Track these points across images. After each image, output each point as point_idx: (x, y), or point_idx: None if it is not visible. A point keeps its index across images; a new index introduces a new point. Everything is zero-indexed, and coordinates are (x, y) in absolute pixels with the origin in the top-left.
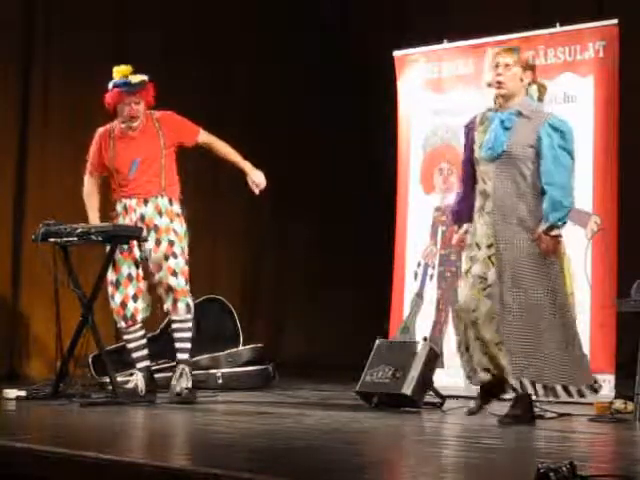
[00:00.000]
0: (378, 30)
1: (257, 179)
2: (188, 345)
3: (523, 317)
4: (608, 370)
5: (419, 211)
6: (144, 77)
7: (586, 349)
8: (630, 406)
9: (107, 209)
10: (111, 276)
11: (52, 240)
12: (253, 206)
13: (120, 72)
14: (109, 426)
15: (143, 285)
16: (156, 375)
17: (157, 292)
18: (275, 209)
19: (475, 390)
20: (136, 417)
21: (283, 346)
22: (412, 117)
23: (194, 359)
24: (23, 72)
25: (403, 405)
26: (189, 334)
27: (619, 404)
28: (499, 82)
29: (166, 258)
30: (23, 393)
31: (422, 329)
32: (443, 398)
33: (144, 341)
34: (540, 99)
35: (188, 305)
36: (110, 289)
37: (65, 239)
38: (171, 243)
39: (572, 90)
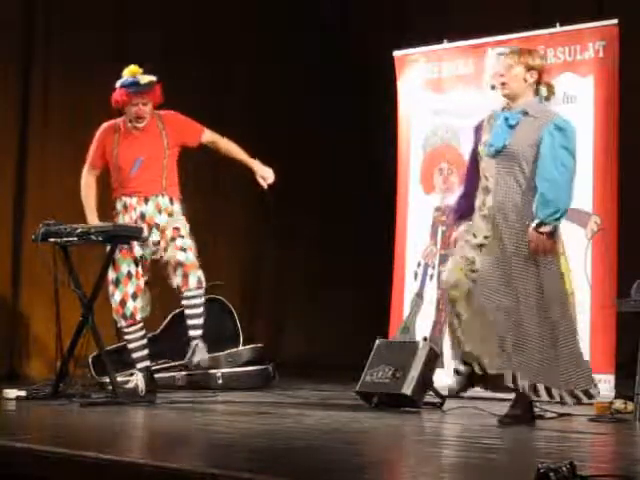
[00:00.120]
0: (378, 30)
1: (265, 174)
2: (201, 321)
3: (511, 316)
4: (608, 370)
5: (419, 211)
6: (153, 78)
7: (586, 349)
8: (630, 406)
9: (105, 208)
10: (111, 274)
11: (52, 240)
12: (253, 206)
13: (130, 71)
14: (109, 426)
15: (142, 283)
16: (156, 375)
17: (165, 273)
18: (275, 209)
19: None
20: (136, 417)
21: (283, 346)
22: (412, 117)
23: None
24: (23, 72)
25: (403, 405)
26: (201, 309)
27: (619, 404)
28: (502, 83)
29: (172, 239)
30: (23, 393)
31: (422, 329)
32: (443, 398)
33: (144, 341)
34: (547, 99)
35: (199, 279)
36: (110, 288)
37: (65, 239)
38: (176, 229)
39: (572, 90)
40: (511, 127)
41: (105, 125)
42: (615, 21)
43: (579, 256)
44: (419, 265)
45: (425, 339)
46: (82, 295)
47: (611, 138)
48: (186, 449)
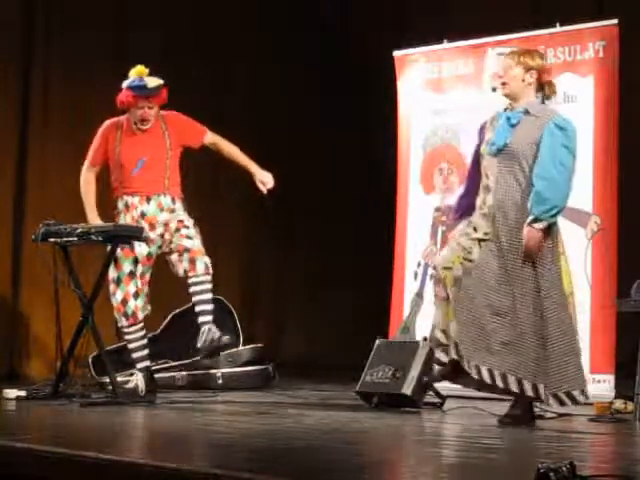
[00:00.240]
0: (378, 30)
1: (265, 178)
2: (210, 307)
3: (499, 316)
4: (608, 370)
5: (419, 211)
6: (160, 81)
7: (586, 349)
8: (630, 406)
9: (106, 207)
10: (112, 273)
11: (52, 240)
12: (253, 206)
13: (136, 72)
14: (109, 426)
15: (143, 283)
16: (156, 375)
17: (171, 262)
18: (275, 209)
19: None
20: (136, 417)
21: (283, 346)
22: (412, 117)
23: (194, 359)
24: (23, 72)
25: (403, 405)
26: (210, 295)
27: (619, 404)
28: (502, 83)
29: (177, 230)
30: (23, 393)
31: (422, 329)
32: (443, 398)
33: (145, 341)
34: (548, 97)
35: (206, 265)
36: (111, 287)
37: (65, 239)
38: (180, 221)
39: (572, 90)
40: (512, 126)
41: (108, 122)
42: (615, 21)
43: (579, 256)
44: (419, 265)
45: (425, 339)
46: (82, 295)
47: (611, 138)
48: (186, 449)
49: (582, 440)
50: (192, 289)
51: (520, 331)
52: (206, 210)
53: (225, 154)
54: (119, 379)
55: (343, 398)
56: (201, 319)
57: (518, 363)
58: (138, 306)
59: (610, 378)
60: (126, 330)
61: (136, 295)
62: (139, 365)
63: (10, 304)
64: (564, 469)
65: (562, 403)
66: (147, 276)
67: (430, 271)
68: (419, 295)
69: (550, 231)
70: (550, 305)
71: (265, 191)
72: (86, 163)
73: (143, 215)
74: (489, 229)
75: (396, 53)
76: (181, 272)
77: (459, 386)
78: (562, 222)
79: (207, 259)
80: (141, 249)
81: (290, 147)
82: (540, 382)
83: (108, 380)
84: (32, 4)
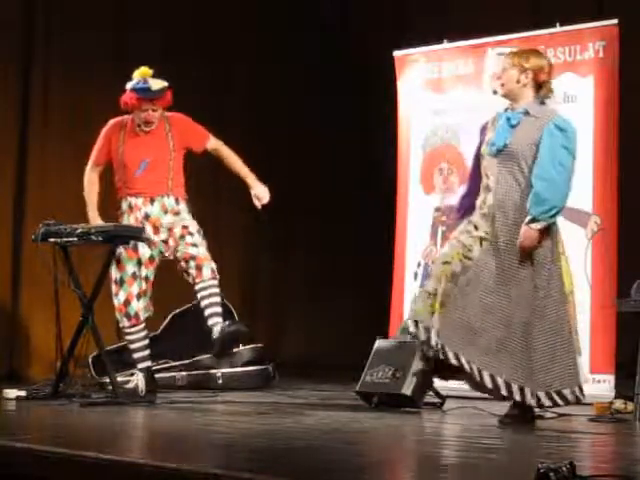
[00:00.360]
0: (378, 30)
1: (260, 193)
2: (219, 309)
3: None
4: (608, 370)
5: (419, 211)
6: (164, 83)
7: (586, 349)
8: (630, 406)
9: (108, 208)
10: (115, 274)
11: (52, 240)
12: (253, 206)
13: (141, 73)
14: (109, 426)
15: (146, 284)
16: (156, 375)
17: (178, 268)
18: (275, 209)
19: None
20: (136, 417)
21: (283, 346)
22: (412, 117)
23: (194, 359)
24: (23, 72)
25: (403, 405)
26: (218, 299)
27: (619, 404)
28: (501, 84)
29: (182, 237)
30: (23, 393)
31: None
32: (443, 398)
33: (146, 342)
34: (545, 97)
35: (213, 270)
36: (114, 287)
37: (65, 239)
38: (185, 227)
39: (572, 90)
40: (512, 127)
41: (112, 122)
42: (615, 21)
43: (579, 256)
44: (419, 265)
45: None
46: (82, 295)
47: (611, 138)
48: (186, 449)
49: (582, 440)
50: (200, 294)
51: (511, 332)
52: (207, 210)
53: (225, 162)
54: (119, 379)
55: (343, 398)
56: (211, 321)
57: (506, 364)
58: (140, 307)
59: (610, 378)
60: (127, 330)
61: (139, 296)
62: (140, 365)
63: (10, 304)
64: (564, 469)
65: (554, 402)
66: (151, 279)
67: (429, 270)
68: None
69: (549, 231)
70: (550, 304)
71: (259, 206)
72: (90, 163)
73: (147, 217)
74: (489, 229)
75: (396, 53)
76: (190, 279)
77: (459, 387)
78: (562, 222)
79: (213, 264)
80: (144, 251)
81: (290, 147)
82: (527, 385)
83: (108, 380)
84: (32, 4)
